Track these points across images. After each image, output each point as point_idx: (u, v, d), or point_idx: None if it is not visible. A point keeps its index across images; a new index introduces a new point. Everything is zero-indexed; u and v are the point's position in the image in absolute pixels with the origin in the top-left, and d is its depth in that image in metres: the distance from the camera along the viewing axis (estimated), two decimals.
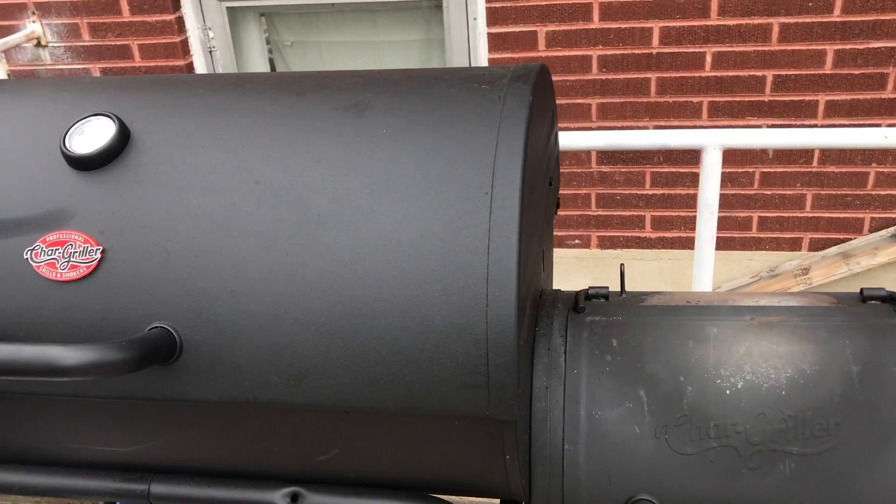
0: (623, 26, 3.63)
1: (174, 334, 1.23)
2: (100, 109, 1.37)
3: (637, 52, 3.69)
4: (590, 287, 1.58)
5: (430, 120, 1.28)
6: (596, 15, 3.62)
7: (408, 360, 1.18)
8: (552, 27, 3.68)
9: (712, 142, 2.11)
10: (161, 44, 4.07)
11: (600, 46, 3.70)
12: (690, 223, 4.02)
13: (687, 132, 2.19)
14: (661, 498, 1.36)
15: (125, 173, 1.31)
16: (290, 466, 1.38)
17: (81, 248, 1.26)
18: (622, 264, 1.65)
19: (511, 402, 1.17)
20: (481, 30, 3.82)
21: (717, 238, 4.17)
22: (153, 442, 1.41)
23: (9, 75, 4.44)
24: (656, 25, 3.61)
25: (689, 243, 4.06)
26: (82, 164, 1.31)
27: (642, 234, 4.20)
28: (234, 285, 1.22)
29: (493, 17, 3.72)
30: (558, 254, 4.34)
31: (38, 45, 4.10)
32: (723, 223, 4.08)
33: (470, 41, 3.91)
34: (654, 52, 3.68)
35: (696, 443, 1.37)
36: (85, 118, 1.35)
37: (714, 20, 3.55)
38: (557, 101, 3.88)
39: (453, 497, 1.45)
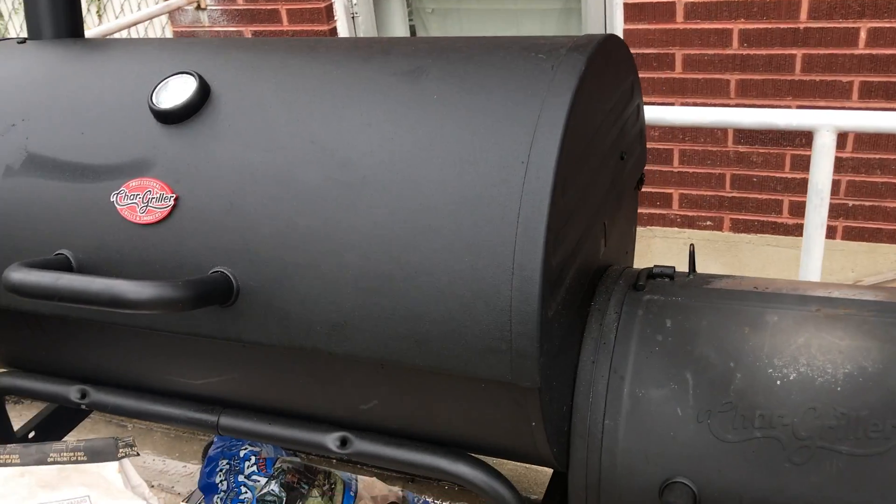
0: None
1: (232, 279, 1.33)
2: (188, 68, 1.48)
3: (782, 26, 3.48)
4: (655, 266, 1.56)
5: (479, 87, 1.30)
6: None
7: (436, 321, 1.22)
8: None
9: (825, 123, 1.99)
10: (307, 9, 4.25)
11: (742, 20, 3.52)
12: (831, 211, 3.79)
13: (798, 112, 2.07)
14: (697, 483, 1.34)
15: (202, 128, 1.42)
16: (339, 413, 1.46)
17: (158, 195, 1.38)
18: (692, 244, 1.61)
19: (532, 370, 1.19)
20: (618, 0, 3.73)
21: (862, 229, 3.90)
22: (222, 378, 1.53)
23: (174, 36, 4.78)
24: None
25: (828, 232, 3.83)
26: (165, 117, 1.43)
27: (779, 220, 4.00)
28: (285, 238, 1.30)
29: None
30: (687, 234, 4.21)
31: (198, 7, 4.39)
32: (869, 213, 3.82)
33: (606, 11, 3.83)
34: (802, 27, 3.46)
35: (739, 431, 1.33)
36: (172, 75, 1.47)
37: None
38: (693, 76, 3.74)
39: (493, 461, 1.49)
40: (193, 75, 1.44)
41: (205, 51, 1.60)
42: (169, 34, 5.07)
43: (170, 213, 1.37)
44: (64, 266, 1.42)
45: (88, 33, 3.81)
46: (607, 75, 1.42)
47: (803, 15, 3.45)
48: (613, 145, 1.52)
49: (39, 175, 1.48)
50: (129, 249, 1.40)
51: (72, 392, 1.68)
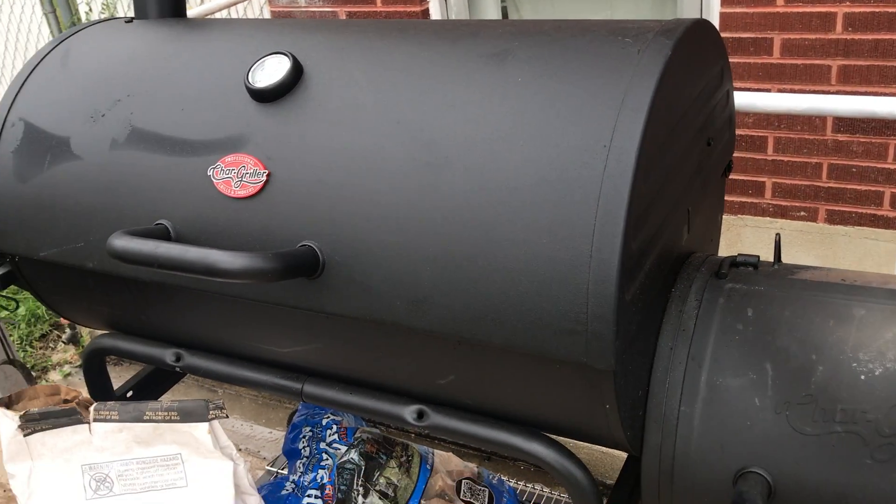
0: None
1: (319, 253, 1.38)
2: (282, 49, 1.53)
3: (890, 10, 3.34)
4: (739, 254, 1.54)
5: (564, 70, 1.31)
6: None
7: (513, 300, 1.24)
8: None
9: None
10: None
11: (847, 3, 3.39)
12: None
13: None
14: (773, 474, 1.33)
15: (294, 107, 1.47)
16: (417, 386, 1.51)
17: (252, 170, 1.44)
18: (777, 234, 1.58)
19: (608, 352, 1.20)
20: None
21: None
22: (307, 347, 1.59)
23: (271, 17, 4.91)
24: None
25: None
26: (259, 95, 1.49)
27: (879, 212, 3.84)
28: (370, 215, 1.34)
29: None
30: (779, 224, 4.09)
31: None
32: None
33: None
34: None
35: (819, 424, 1.31)
36: (267, 55, 1.52)
37: None
38: (792, 61, 3.63)
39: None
40: (287, 56, 1.50)
41: (298, 32, 1.65)
42: (267, 14, 5.20)
43: (262, 188, 1.43)
44: (163, 235, 1.50)
45: (190, 13, 3.95)
46: (695, 60, 1.41)
47: None
48: (700, 131, 1.50)
49: (142, 148, 1.56)
50: (223, 221, 1.47)
51: (167, 355, 1.78)
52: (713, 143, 1.59)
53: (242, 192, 1.45)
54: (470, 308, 1.28)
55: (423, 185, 1.31)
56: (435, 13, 4.38)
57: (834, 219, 3.95)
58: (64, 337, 3.85)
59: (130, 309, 1.76)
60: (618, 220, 1.16)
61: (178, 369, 1.79)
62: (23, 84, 1.77)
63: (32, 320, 4.04)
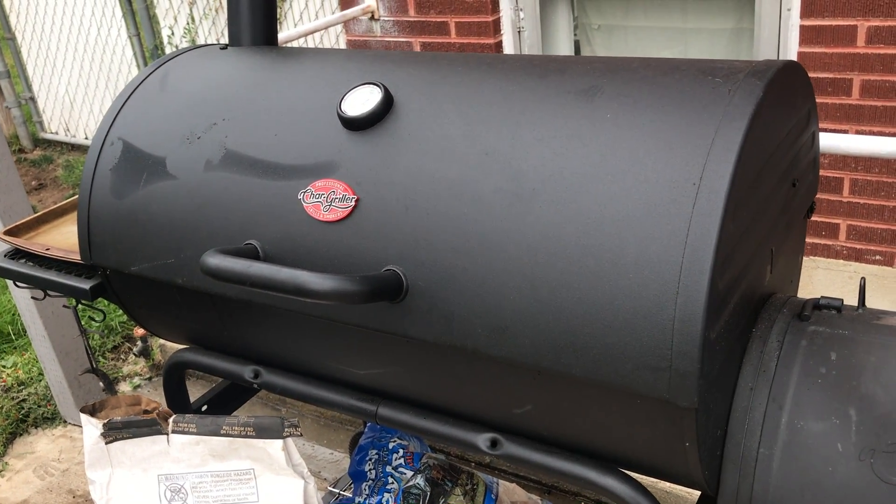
0: None
1: (403, 277, 1.41)
2: (373, 79, 1.58)
3: None
4: (822, 297, 1.52)
5: (653, 108, 1.32)
6: None
7: (596, 333, 1.25)
8: (876, 22, 3.38)
9: None
10: (475, 22, 4.36)
11: None
12: None
13: None
14: None
15: (384, 136, 1.51)
16: (492, 414, 1.52)
17: (341, 195, 1.49)
18: (863, 278, 1.56)
19: (691, 391, 1.20)
20: (794, 21, 3.61)
21: None
22: (384, 370, 1.62)
23: (347, 44, 5.03)
24: None
25: None
26: (351, 124, 1.54)
27: None
28: (455, 242, 1.37)
29: (809, 8, 3.50)
30: (853, 267, 4.01)
31: (372, 18, 4.60)
32: None
33: (780, 33, 3.72)
34: None
35: None
36: (359, 85, 1.57)
37: None
38: (871, 103, 3.57)
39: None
40: (379, 86, 1.54)
41: (388, 63, 1.70)
42: (343, 43, 5.33)
43: (350, 213, 1.48)
44: (252, 255, 1.55)
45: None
46: (784, 102, 1.41)
47: None
48: (786, 172, 1.50)
49: (235, 171, 1.62)
50: (311, 244, 1.51)
51: (246, 371, 1.83)
52: (798, 184, 1.59)
53: (331, 216, 1.49)
54: (551, 339, 1.29)
55: (510, 215, 1.33)
56: (508, 45, 4.43)
57: None
58: (135, 350, 3.96)
59: (213, 325, 1.82)
60: (706, 258, 1.17)
61: (255, 385, 1.84)
62: (123, 105, 1.85)
63: (105, 331, 4.17)
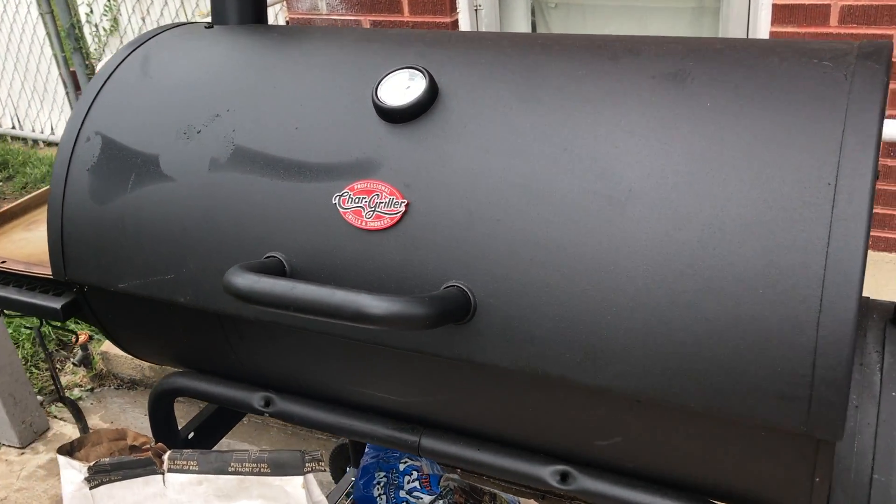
0: None
1: (469, 295, 1.21)
2: (406, 63, 1.37)
3: None
4: None
5: (761, 96, 1.16)
6: None
7: (718, 357, 1.08)
8: (849, 2, 3.33)
9: None
10: (430, 0, 4.14)
11: None
12: None
13: None
14: None
15: (432, 128, 1.30)
16: (564, 444, 1.34)
17: (387, 200, 1.28)
18: None
19: (836, 422, 1.04)
20: (764, 0, 3.53)
21: None
22: (430, 397, 1.42)
23: (287, 22, 4.73)
24: None
25: None
26: (392, 115, 1.32)
27: None
28: (536, 253, 1.18)
29: None
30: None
31: None
32: None
33: (750, 12, 3.64)
34: None
35: None
36: (395, 70, 1.36)
37: None
38: None
39: None
40: (422, 72, 1.33)
41: (416, 43, 1.49)
42: (282, 21, 5.02)
43: (399, 220, 1.27)
44: (279, 270, 1.32)
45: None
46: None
47: None
48: (876, 162, 1.36)
49: (249, 171, 1.39)
50: (349, 255, 1.30)
51: (255, 399, 1.60)
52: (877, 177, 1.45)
53: (376, 224, 1.28)
54: (660, 365, 1.12)
55: (603, 220, 1.15)
56: (464, 23, 4.23)
57: None
58: (74, 359, 3.61)
59: (218, 347, 1.58)
60: (854, 269, 1.02)
61: (266, 415, 1.61)
62: (97, 94, 1.58)
63: (37, 339, 3.81)
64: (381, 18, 4.32)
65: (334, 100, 1.40)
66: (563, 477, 1.35)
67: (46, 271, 1.71)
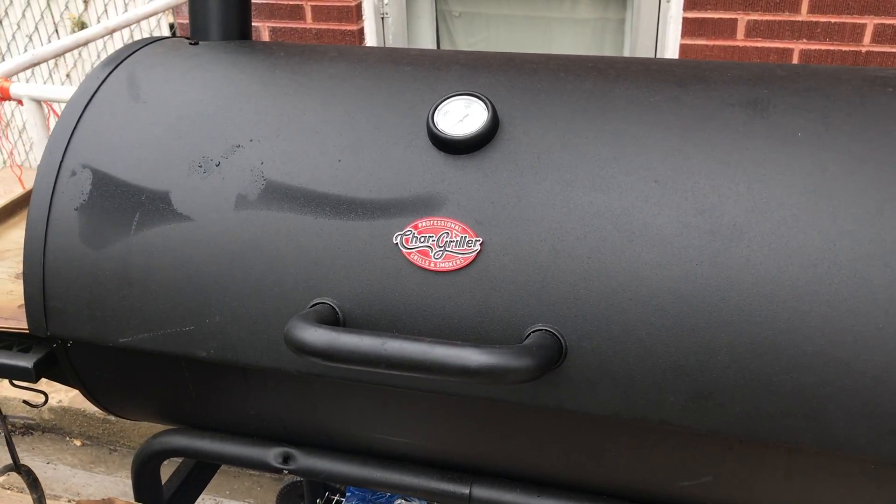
0: (833, 20, 3.41)
1: (561, 339, 1.13)
2: (452, 89, 1.27)
3: (844, 48, 3.47)
4: None
5: (850, 126, 1.15)
6: (804, 6, 3.41)
7: (834, 394, 1.06)
8: (755, 16, 3.49)
9: None
10: (335, 7, 4.00)
11: (804, 40, 3.49)
12: None
13: None
14: None
15: (500, 160, 1.21)
16: (638, 487, 1.29)
17: (458, 238, 1.18)
18: None
19: None
20: (674, 13, 3.64)
21: None
22: (484, 444, 1.33)
23: (174, 25, 4.44)
24: (871, 22, 3.38)
25: None
26: (453, 147, 1.22)
27: None
28: (633, 293, 1.12)
29: (692, 1, 3.54)
30: None
31: None
32: None
33: (659, 25, 3.74)
34: (864, 50, 3.45)
35: None
36: (450, 97, 1.26)
37: None
38: None
39: None
40: (483, 99, 1.24)
41: (454, 66, 1.39)
42: (165, 27, 4.72)
43: (474, 260, 1.17)
44: (332, 319, 1.19)
45: (94, 29, 3.46)
46: None
47: (867, 38, 3.44)
48: None
49: (286, 209, 1.24)
50: (416, 301, 1.18)
51: (270, 456, 1.45)
52: None
53: (447, 265, 1.17)
54: (772, 405, 1.08)
55: (707, 256, 1.10)
56: (370, 32, 4.12)
57: None
58: None
59: (237, 402, 1.41)
60: None
61: (286, 472, 1.46)
62: (78, 120, 1.38)
63: None
64: (281, 25, 4.13)
65: (378, 129, 1.28)
66: None
67: (5, 323, 1.48)
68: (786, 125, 1.17)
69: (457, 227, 1.18)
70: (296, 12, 4.08)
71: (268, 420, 1.44)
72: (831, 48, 3.49)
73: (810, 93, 1.22)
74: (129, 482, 1.62)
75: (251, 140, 1.30)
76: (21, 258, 1.39)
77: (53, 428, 3.39)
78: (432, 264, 1.18)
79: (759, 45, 3.55)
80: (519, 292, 1.16)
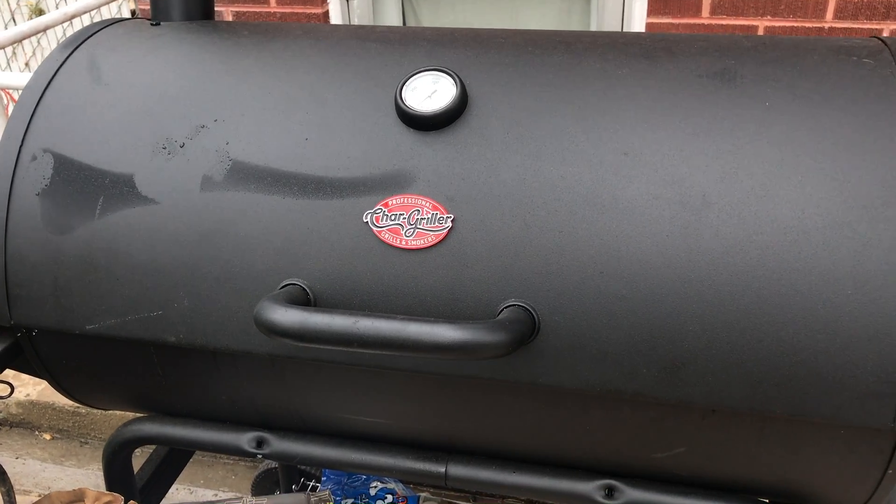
0: None
1: (533, 314, 1.13)
2: (418, 65, 1.26)
3: (808, 25, 3.49)
4: None
5: (818, 95, 1.16)
6: None
7: (803, 361, 1.07)
8: None
9: None
10: None
11: (769, 17, 3.51)
12: None
13: None
14: None
15: (469, 136, 1.20)
16: (613, 458, 1.29)
17: (429, 215, 1.17)
18: None
19: None
20: None
21: None
22: (460, 421, 1.32)
23: (136, 13, 4.36)
24: None
25: None
26: (422, 123, 1.21)
27: None
28: (604, 266, 1.12)
29: None
30: None
31: None
32: None
33: (625, 3, 3.74)
34: (827, 26, 3.48)
35: None
36: (417, 73, 1.25)
37: None
38: None
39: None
40: (451, 75, 1.23)
41: (421, 42, 1.37)
42: (127, 14, 4.63)
43: (446, 237, 1.16)
44: (303, 300, 1.18)
45: (52, 15, 3.38)
46: None
47: (829, 14, 3.46)
48: None
49: (253, 189, 1.23)
50: (388, 280, 1.17)
51: (244, 441, 1.43)
52: None
53: (418, 243, 1.16)
54: (744, 374, 1.09)
55: (676, 227, 1.10)
56: (336, 15, 4.07)
57: None
58: None
59: (211, 387, 1.40)
60: None
61: (259, 456, 1.44)
62: (38, 104, 1.35)
63: None
64: (244, 9, 4.07)
65: (346, 106, 1.26)
66: (609, 491, 1.30)
67: None
68: (754, 95, 1.17)
69: (427, 205, 1.17)
70: None
71: (240, 405, 1.42)
72: (795, 24, 3.51)
73: (777, 63, 1.22)
74: (101, 475, 1.60)
75: (216, 120, 1.28)
76: None
77: (21, 423, 3.33)
78: (403, 242, 1.17)
79: (724, 22, 3.56)
80: (491, 268, 1.15)
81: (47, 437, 3.31)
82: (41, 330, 1.36)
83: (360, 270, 1.18)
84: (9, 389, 1.50)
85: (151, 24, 1.51)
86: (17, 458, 3.17)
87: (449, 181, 1.18)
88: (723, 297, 1.08)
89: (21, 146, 1.32)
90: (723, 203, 1.10)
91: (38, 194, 1.30)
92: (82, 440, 3.27)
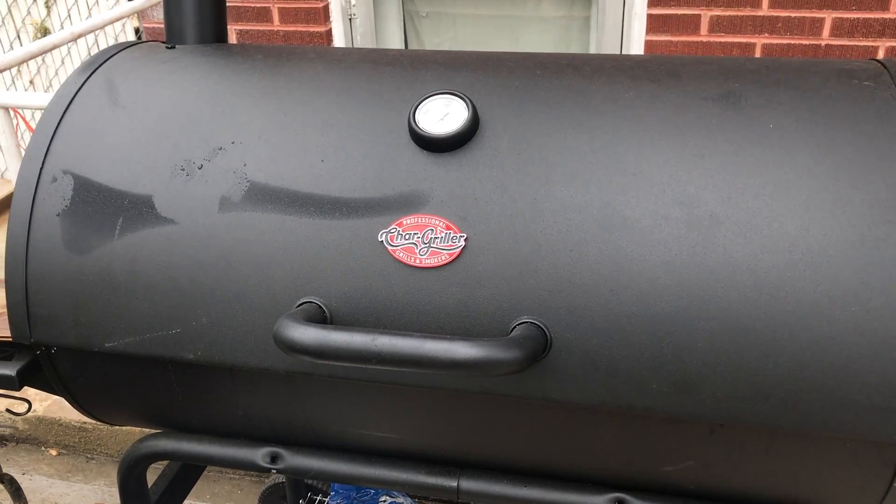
0: (793, 15, 3.48)
1: (545, 331, 1.16)
2: (430, 88, 1.30)
3: (804, 42, 3.54)
4: None
5: (820, 117, 1.19)
6: (765, 2, 3.47)
7: (810, 377, 1.10)
8: (717, 11, 3.55)
9: None
10: (302, 8, 4.00)
11: (766, 34, 3.56)
12: None
13: None
14: None
15: (481, 157, 1.24)
16: (623, 472, 1.32)
17: (443, 235, 1.20)
18: None
19: None
20: (639, 11, 3.69)
21: None
22: (471, 436, 1.35)
23: (139, 30, 4.41)
24: (829, 16, 3.45)
25: None
26: (435, 145, 1.24)
27: None
28: (615, 284, 1.15)
29: None
30: None
31: None
32: None
33: (624, 21, 3.79)
34: (823, 43, 3.53)
35: None
36: (430, 96, 1.28)
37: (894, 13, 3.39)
38: None
39: None
40: (463, 98, 1.26)
41: (432, 66, 1.41)
42: (130, 32, 4.68)
43: (458, 256, 1.19)
44: (320, 318, 1.21)
45: (60, 34, 3.43)
46: None
47: (825, 32, 3.52)
48: None
49: (271, 210, 1.26)
50: (402, 297, 1.20)
51: (258, 456, 1.45)
52: None
53: (432, 261, 1.20)
54: (751, 389, 1.12)
55: (685, 246, 1.13)
56: (339, 33, 4.12)
57: None
58: None
59: (225, 403, 1.42)
60: None
61: (273, 471, 1.47)
62: (57, 127, 1.38)
63: None
64: (248, 27, 4.12)
65: (360, 128, 1.29)
66: None
67: None
68: (758, 118, 1.20)
69: (441, 224, 1.20)
70: (263, 14, 4.07)
71: (255, 420, 1.45)
72: (792, 42, 3.56)
73: (780, 86, 1.25)
74: (108, 490, 1.62)
75: (233, 142, 1.31)
76: (2, 263, 1.38)
77: (28, 438, 3.35)
78: (418, 261, 1.20)
79: (722, 39, 3.62)
80: (504, 286, 1.18)
81: (53, 452, 3.32)
82: (60, 347, 1.39)
83: (376, 288, 1.21)
84: (26, 406, 1.52)
85: (167, 48, 1.54)
86: (23, 474, 3.18)
87: (462, 201, 1.21)
88: (730, 315, 1.11)
89: (42, 168, 1.35)
90: (729, 223, 1.13)
91: (58, 215, 1.33)
92: (88, 456, 3.29)
